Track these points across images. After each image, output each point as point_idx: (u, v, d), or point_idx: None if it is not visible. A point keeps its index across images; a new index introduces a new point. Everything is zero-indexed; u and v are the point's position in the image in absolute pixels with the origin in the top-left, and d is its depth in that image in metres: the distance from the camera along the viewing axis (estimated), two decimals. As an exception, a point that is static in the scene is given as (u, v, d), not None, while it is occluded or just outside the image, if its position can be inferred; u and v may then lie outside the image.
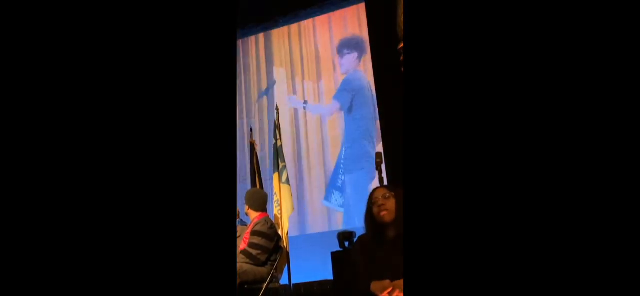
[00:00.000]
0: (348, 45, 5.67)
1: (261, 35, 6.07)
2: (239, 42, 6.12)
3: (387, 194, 1.95)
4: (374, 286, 1.85)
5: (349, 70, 5.59)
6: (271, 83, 5.92)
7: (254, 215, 3.42)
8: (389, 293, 1.78)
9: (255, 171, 4.24)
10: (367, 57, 5.40)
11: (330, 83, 5.64)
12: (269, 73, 5.95)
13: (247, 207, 3.45)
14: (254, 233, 3.25)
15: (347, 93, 5.51)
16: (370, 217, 1.99)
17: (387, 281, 1.81)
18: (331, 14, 5.70)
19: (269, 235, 3.26)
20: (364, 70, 5.47)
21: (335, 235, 3.81)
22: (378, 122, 5.18)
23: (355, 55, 5.60)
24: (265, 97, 5.93)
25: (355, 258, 2.01)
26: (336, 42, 5.71)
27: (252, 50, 6.12)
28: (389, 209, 1.92)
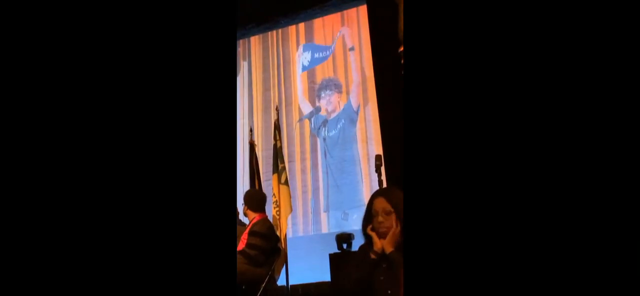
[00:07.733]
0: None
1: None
2: (239, 43, 6.11)
3: (389, 209, 1.88)
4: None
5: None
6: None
7: (252, 216, 3.41)
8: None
9: (255, 172, 4.24)
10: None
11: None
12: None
13: (245, 208, 3.44)
14: (252, 233, 3.24)
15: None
16: (369, 225, 1.96)
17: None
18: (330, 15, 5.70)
19: (267, 235, 3.26)
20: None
21: (334, 237, 3.82)
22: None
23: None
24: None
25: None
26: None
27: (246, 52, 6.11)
28: (388, 227, 1.86)
